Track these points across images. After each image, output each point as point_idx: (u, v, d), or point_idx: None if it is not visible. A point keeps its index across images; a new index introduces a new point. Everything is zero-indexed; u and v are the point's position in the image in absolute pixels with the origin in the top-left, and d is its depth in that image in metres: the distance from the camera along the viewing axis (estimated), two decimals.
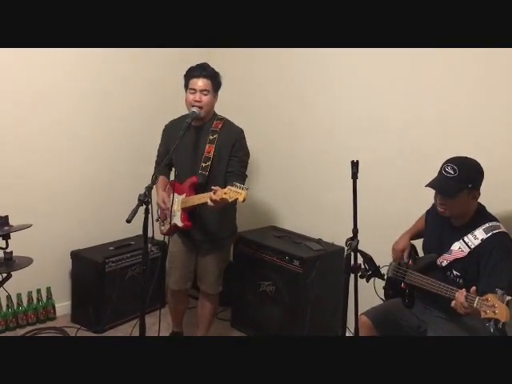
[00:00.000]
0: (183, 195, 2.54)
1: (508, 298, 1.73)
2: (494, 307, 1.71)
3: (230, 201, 2.23)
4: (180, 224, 2.54)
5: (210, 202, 2.30)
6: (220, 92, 2.62)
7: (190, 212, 2.55)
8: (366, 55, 2.77)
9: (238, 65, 3.50)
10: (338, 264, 2.73)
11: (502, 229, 2.03)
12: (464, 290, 1.86)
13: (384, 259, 2.32)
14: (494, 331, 1.71)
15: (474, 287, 1.84)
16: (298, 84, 3.22)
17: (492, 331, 1.75)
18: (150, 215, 1.97)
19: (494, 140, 2.37)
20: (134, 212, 1.89)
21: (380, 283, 2.31)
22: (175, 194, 2.58)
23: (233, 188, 2.21)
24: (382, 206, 2.80)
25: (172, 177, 2.74)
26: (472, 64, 2.42)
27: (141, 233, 2.00)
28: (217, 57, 3.16)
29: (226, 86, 2.65)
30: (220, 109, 2.68)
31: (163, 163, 2.39)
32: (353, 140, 2.93)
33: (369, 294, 2.28)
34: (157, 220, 2.04)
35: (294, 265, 2.78)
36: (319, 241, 3.01)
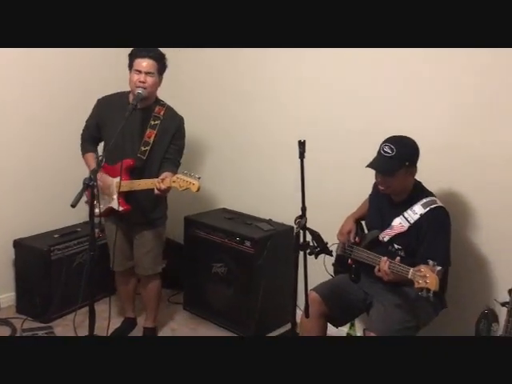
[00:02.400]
0: (117, 178, 2.47)
1: (438, 268, 1.84)
2: (425, 277, 1.82)
3: (180, 190, 2.22)
4: (119, 208, 2.49)
5: (156, 191, 2.29)
6: (167, 76, 2.58)
7: (126, 195, 2.51)
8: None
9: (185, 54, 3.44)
10: (289, 243, 2.78)
11: (439, 203, 2.14)
12: (387, 258, 2.01)
13: (332, 236, 2.38)
14: (428, 298, 1.83)
15: (398, 257, 2.00)
16: (245, 63, 3.21)
17: (430, 299, 1.87)
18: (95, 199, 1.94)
19: (436, 121, 2.46)
20: (79, 196, 1.84)
21: (329, 260, 2.39)
22: (109, 177, 2.53)
23: (183, 177, 2.21)
24: (329, 185, 2.86)
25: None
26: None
27: (87, 219, 1.96)
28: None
29: (172, 71, 2.62)
30: (167, 93, 2.64)
31: (107, 149, 2.29)
32: (301, 120, 2.97)
33: (319, 271, 2.35)
34: (86, 202, 1.99)
35: (246, 245, 2.81)
36: (269, 221, 3.05)
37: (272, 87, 3.11)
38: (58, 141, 3.25)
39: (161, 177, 2.38)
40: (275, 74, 3.08)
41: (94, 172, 1.95)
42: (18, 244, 3.05)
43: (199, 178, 2.23)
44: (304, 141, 2.01)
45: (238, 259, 2.86)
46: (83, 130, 2.71)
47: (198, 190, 2.21)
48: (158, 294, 2.88)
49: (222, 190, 3.46)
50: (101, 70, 3.33)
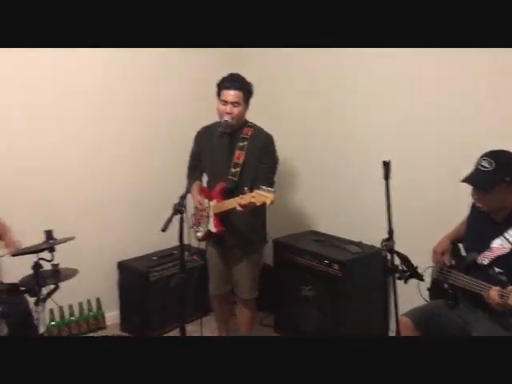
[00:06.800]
0: (214, 201, 2.59)
1: None
2: None
3: (257, 204, 2.25)
4: (214, 229, 2.59)
5: (238, 207, 2.34)
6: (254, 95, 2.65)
7: (221, 217, 2.59)
8: (395, 53, 2.73)
9: (270, 69, 3.53)
10: (379, 266, 2.69)
11: None
12: (498, 287, 1.83)
13: (423, 259, 2.26)
14: None
15: (511, 286, 1.82)
16: (332, 84, 3.21)
17: None
18: (184, 223, 2.03)
19: None
20: (169, 221, 1.95)
21: (423, 284, 2.26)
22: (206, 200, 2.64)
23: (259, 191, 2.24)
24: (419, 204, 2.75)
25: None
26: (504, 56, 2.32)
27: (185, 242, 2.06)
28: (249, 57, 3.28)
29: (260, 91, 2.69)
30: (252, 112, 2.72)
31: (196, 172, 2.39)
32: (387, 138, 2.90)
33: (412, 296, 2.24)
34: (191, 227, 2.09)
35: (334, 268, 2.76)
36: (359, 243, 2.97)
37: (363, 102, 3.06)
38: (157, 168, 3.48)
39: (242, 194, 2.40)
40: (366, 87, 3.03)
41: (182, 197, 2.05)
42: (122, 265, 3.29)
43: (274, 191, 2.24)
44: (389, 161, 1.96)
45: (326, 282, 2.82)
46: (189, 162, 2.84)
47: (272, 202, 2.22)
48: (252, 319, 2.90)
49: (310, 211, 3.45)
50: (195, 102, 3.53)
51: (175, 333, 2.76)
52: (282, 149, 2.79)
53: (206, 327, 2.85)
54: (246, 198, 2.29)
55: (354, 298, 2.73)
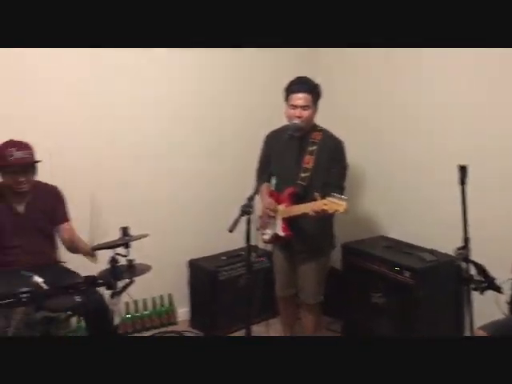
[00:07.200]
0: (283, 205, 2.59)
1: None
2: None
3: (330, 212, 2.22)
4: (282, 234, 2.59)
5: (311, 212, 2.32)
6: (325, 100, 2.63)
7: (289, 222, 2.58)
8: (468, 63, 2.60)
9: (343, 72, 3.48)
10: (453, 276, 2.56)
11: None
12: None
13: (503, 270, 2.11)
14: None
15: None
16: (405, 85, 3.12)
17: None
18: (251, 225, 2.05)
19: None
20: (236, 222, 1.98)
21: (502, 297, 2.12)
22: (275, 203, 2.64)
23: (332, 199, 2.21)
24: (498, 211, 2.59)
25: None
26: None
27: (253, 243, 2.09)
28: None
29: (330, 95, 2.67)
30: (324, 117, 2.70)
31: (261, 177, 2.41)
32: (464, 141, 2.76)
33: (488, 308, 2.11)
34: (258, 229, 2.10)
35: (405, 276, 2.67)
36: (432, 251, 2.84)
37: (440, 101, 2.94)
38: (229, 170, 3.55)
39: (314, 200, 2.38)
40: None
41: (250, 198, 2.08)
42: (192, 264, 3.39)
43: (347, 199, 2.21)
44: (465, 166, 1.86)
45: (396, 290, 2.73)
46: (258, 164, 2.86)
47: (345, 211, 2.19)
48: (317, 324, 2.87)
49: (381, 217, 3.36)
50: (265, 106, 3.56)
51: (241, 333, 2.78)
52: (353, 153, 2.74)
53: (271, 329, 2.86)
54: (318, 205, 2.28)
55: (427, 307, 2.62)
